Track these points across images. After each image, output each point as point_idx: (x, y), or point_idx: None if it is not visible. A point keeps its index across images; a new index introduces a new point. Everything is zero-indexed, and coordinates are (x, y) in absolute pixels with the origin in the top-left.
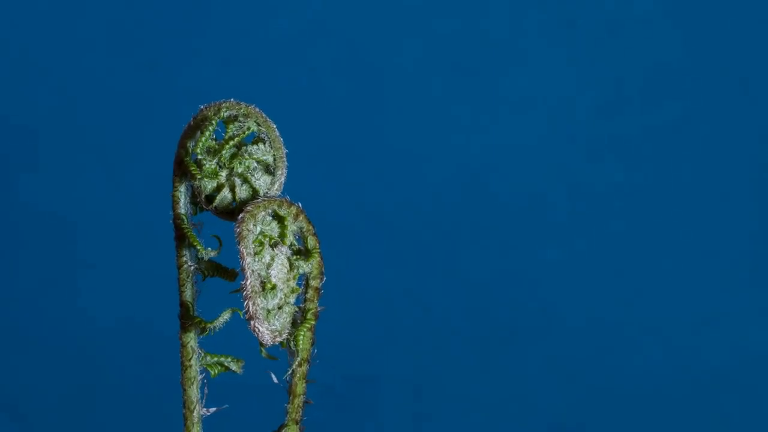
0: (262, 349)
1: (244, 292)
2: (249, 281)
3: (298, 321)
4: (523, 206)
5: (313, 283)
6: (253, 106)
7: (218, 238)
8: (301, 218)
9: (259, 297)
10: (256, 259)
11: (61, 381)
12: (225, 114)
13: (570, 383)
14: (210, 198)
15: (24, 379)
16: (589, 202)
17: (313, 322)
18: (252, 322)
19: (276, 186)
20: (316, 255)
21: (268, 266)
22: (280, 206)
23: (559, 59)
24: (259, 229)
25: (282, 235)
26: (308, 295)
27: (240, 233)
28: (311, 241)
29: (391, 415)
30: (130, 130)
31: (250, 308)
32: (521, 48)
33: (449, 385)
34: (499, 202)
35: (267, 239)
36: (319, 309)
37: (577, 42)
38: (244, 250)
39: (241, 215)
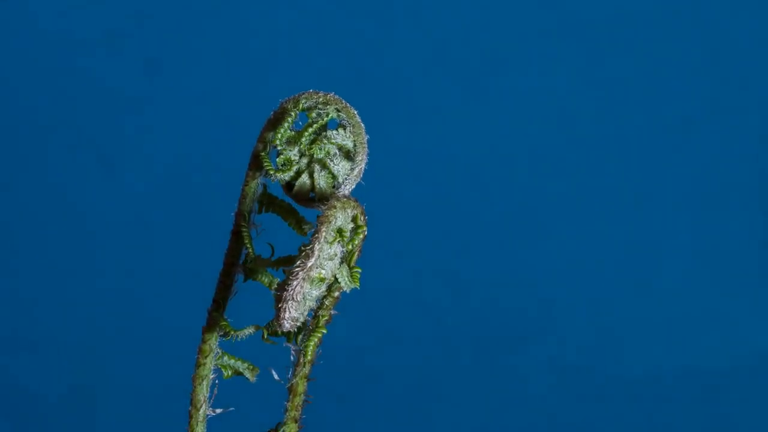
0: (265, 333)
1: (298, 270)
2: (311, 262)
3: (309, 325)
4: (523, 206)
5: (336, 293)
6: (332, 94)
7: (271, 246)
8: (364, 232)
9: (308, 282)
10: (326, 247)
11: (62, 377)
12: (304, 105)
13: (571, 383)
14: (290, 185)
15: (24, 379)
16: (589, 202)
17: (324, 331)
18: (288, 302)
19: (356, 171)
20: (358, 276)
21: (330, 259)
22: (362, 214)
23: (559, 59)
24: (340, 223)
25: (352, 241)
26: (326, 302)
27: (327, 216)
28: (355, 258)
29: (391, 415)
30: (130, 130)
31: (296, 287)
32: (521, 48)
33: (449, 385)
34: (500, 202)
35: (339, 236)
36: (332, 313)
37: (577, 42)
38: (324, 233)
39: (333, 201)
